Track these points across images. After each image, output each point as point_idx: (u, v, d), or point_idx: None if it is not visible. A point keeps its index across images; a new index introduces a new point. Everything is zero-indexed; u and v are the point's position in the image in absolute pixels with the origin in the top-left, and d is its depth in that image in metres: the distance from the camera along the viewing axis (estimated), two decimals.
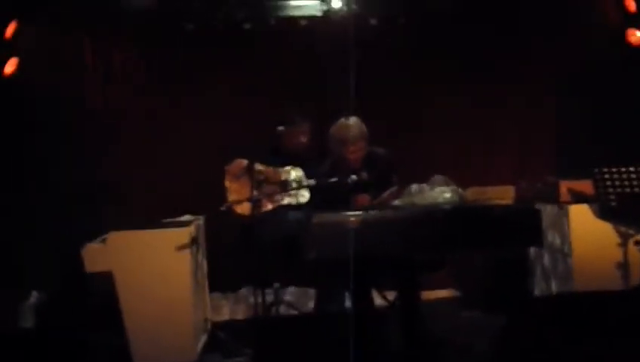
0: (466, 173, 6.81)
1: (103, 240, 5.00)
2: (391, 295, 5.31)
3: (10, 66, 6.20)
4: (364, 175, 4.92)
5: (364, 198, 4.95)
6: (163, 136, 6.93)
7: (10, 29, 6.14)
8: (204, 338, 5.39)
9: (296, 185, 5.51)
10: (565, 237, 5.56)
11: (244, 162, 5.41)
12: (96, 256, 4.93)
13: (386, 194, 4.77)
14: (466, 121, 7.15)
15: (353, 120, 5.07)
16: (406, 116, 7.07)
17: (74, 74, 6.74)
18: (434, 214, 4.53)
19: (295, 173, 5.61)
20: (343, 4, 6.64)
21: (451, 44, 7.06)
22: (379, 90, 6.91)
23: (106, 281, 4.91)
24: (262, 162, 5.55)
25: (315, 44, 6.88)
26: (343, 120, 5.09)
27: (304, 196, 5.53)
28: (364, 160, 5.09)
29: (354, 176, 4.89)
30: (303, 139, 5.70)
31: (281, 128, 5.64)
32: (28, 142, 6.48)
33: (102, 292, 5.15)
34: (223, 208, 4.89)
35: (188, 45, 6.89)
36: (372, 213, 4.61)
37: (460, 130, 7.16)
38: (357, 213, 4.54)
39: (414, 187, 4.73)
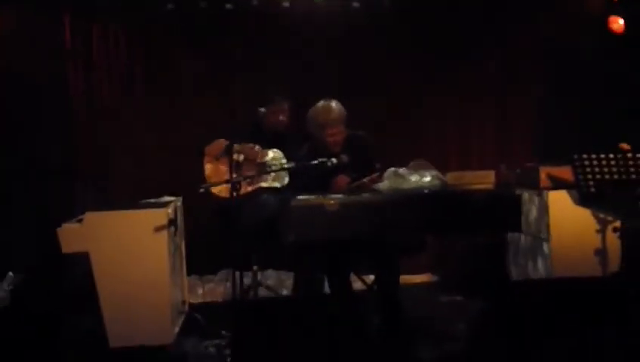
0: (445, 157, 6.87)
1: (80, 221, 4.95)
2: (369, 278, 5.32)
3: None
4: (345, 158, 4.90)
5: (342, 179, 4.92)
6: (142, 116, 6.89)
7: None
8: (181, 320, 5.36)
9: (276, 167, 5.48)
10: (544, 222, 5.57)
11: (224, 142, 5.37)
12: (73, 236, 4.88)
13: (366, 179, 4.74)
14: (447, 107, 7.16)
15: (332, 103, 5.04)
16: (387, 100, 7.04)
17: (54, 54, 6.65)
18: (413, 198, 4.52)
19: (275, 155, 5.58)
20: None
21: (434, 30, 7.05)
22: (360, 74, 6.89)
23: (82, 262, 4.88)
24: (243, 143, 5.52)
25: (297, 25, 6.84)
26: (322, 102, 5.06)
27: (283, 178, 5.50)
28: (344, 143, 5.06)
29: (334, 159, 4.86)
30: (282, 117, 5.67)
31: (262, 109, 5.61)
32: (7, 121, 6.42)
33: (78, 272, 5.11)
34: (201, 190, 4.84)
35: (168, 25, 6.84)
36: (351, 196, 4.59)
37: (440, 115, 7.17)
38: (336, 196, 4.52)
39: (393, 170, 4.70)
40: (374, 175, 4.78)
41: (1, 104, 6.39)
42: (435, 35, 7.05)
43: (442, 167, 5.02)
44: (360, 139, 5.15)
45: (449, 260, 6.55)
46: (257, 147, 5.57)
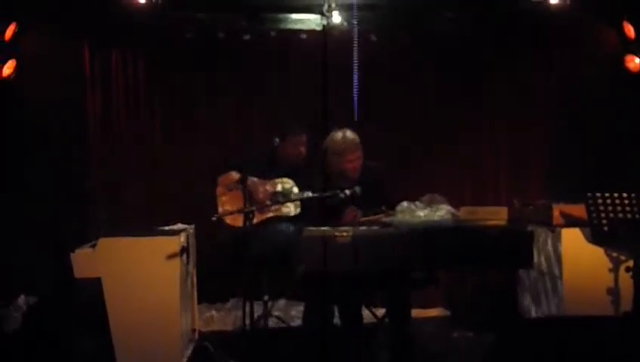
0: (459, 192, 6.87)
1: (93, 246, 4.98)
2: (380, 312, 5.32)
3: (8, 68, 6.22)
4: (357, 190, 4.91)
5: (350, 214, 4.94)
6: (158, 142, 6.96)
7: (9, 31, 6.16)
8: (190, 348, 5.37)
9: (288, 197, 5.51)
10: (556, 260, 5.55)
11: (237, 175, 5.41)
12: (86, 261, 4.91)
13: (373, 217, 4.78)
14: (460, 141, 7.18)
15: (347, 131, 5.09)
16: (400, 134, 7.08)
17: (73, 79, 6.73)
18: (426, 232, 4.53)
19: (287, 186, 5.61)
20: (343, 19, 6.64)
21: (448, 66, 7.09)
22: (376, 106, 6.93)
23: (94, 287, 4.90)
24: (257, 174, 5.56)
25: (314, 58, 6.88)
26: (337, 132, 5.11)
27: (295, 209, 5.52)
28: (359, 174, 5.09)
29: (347, 191, 4.87)
30: (299, 150, 5.71)
31: (277, 140, 5.65)
32: (22, 145, 6.49)
33: (90, 298, 5.13)
34: (213, 218, 4.87)
35: (187, 53, 6.91)
36: (363, 228, 4.60)
37: (453, 150, 7.18)
38: (348, 227, 4.53)
39: (406, 204, 4.72)
40: (380, 215, 4.80)
41: (17, 127, 6.45)
42: (449, 70, 7.09)
43: (455, 202, 5.03)
44: (374, 170, 5.18)
45: (461, 295, 6.53)
46: (269, 182, 5.60)
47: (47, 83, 6.53)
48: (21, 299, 5.89)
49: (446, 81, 7.10)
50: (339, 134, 5.11)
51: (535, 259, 4.81)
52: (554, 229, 5.59)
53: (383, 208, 4.85)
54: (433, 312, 6.73)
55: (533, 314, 5.91)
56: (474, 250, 4.51)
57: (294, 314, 6.41)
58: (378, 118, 6.89)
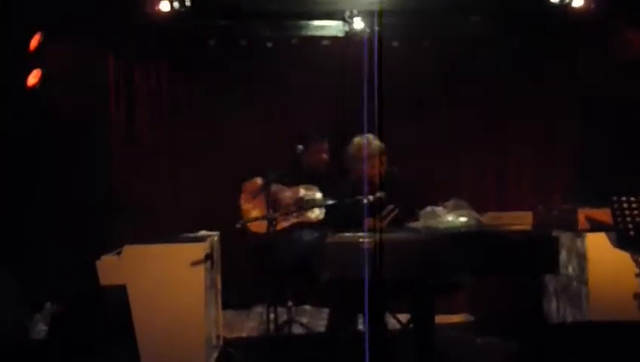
0: (482, 197, 6.85)
1: (118, 253, 5.01)
2: (404, 318, 5.30)
3: (34, 78, 6.27)
4: (381, 195, 4.90)
5: (369, 223, 4.94)
6: (181, 151, 7.00)
7: (34, 41, 6.21)
8: (215, 355, 5.38)
9: (312, 203, 5.52)
10: (582, 265, 5.51)
11: (261, 181, 5.42)
12: (111, 268, 4.93)
13: (386, 219, 4.79)
14: (485, 146, 7.14)
15: (369, 136, 5.10)
16: (425, 139, 7.06)
17: (97, 89, 6.79)
18: (450, 237, 4.51)
19: (311, 192, 5.62)
20: (365, 26, 6.65)
21: (471, 72, 7.07)
22: (399, 112, 6.92)
23: (119, 294, 4.91)
24: (280, 181, 5.57)
25: (336, 64, 6.90)
26: (358, 137, 5.12)
27: (319, 215, 5.53)
28: (382, 179, 5.09)
29: (370, 197, 4.87)
30: (322, 157, 5.73)
31: (300, 147, 5.66)
32: (47, 154, 6.55)
33: (115, 305, 5.15)
34: (238, 225, 4.89)
35: (210, 61, 6.94)
36: (387, 234, 4.59)
37: (478, 154, 7.15)
38: (372, 233, 4.53)
39: (430, 209, 4.71)
40: (391, 214, 4.79)
41: (42, 136, 6.51)
42: (473, 74, 7.08)
43: (479, 206, 5.02)
44: (396, 175, 5.19)
45: (486, 301, 6.49)
46: (293, 189, 5.61)
47: (71, 93, 6.59)
48: (46, 308, 5.92)
49: (470, 85, 7.08)
50: (361, 140, 5.12)
51: (560, 265, 4.75)
52: (579, 234, 5.55)
53: (392, 207, 4.85)
54: (457, 318, 6.69)
55: (559, 319, 5.87)
56: (499, 256, 4.47)
57: (318, 320, 6.39)
58: (401, 123, 6.89)
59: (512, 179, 7.20)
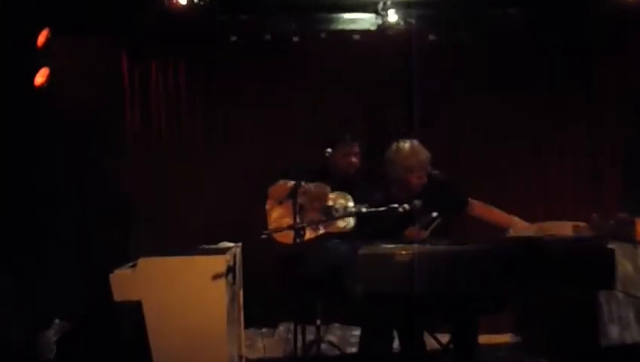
0: (529, 206, 6.76)
1: (133, 267, 5.00)
2: (444, 337, 5.24)
3: (41, 77, 6.28)
4: (417, 203, 4.86)
5: (412, 232, 4.90)
6: (202, 156, 6.99)
7: (41, 38, 6.22)
8: None
9: (343, 211, 5.47)
10: None
11: (289, 184, 5.39)
12: (125, 283, 4.94)
13: (429, 228, 4.75)
14: (530, 150, 7.07)
15: (417, 144, 5.08)
16: (464, 140, 7.02)
17: (110, 89, 6.80)
18: (494, 249, 4.45)
19: (342, 199, 5.57)
20: (399, 18, 6.60)
21: (515, 69, 6.99)
22: (436, 111, 6.87)
23: (134, 311, 4.92)
24: (309, 181, 5.53)
25: (368, 60, 6.86)
26: (405, 144, 5.09)
27: (350, 224, 5.48)
28: (424, 186, 5.07)
29: (406, 205, 4.83)
30: (353, 160, 5.67)
31: (328, 150, 5.61)
32: (57, 158, 6.55)
33: (130, 322, 5.14)
34: (263, 235, 4.86)
35: (231, 59, 6.93)
36: (425, 246, 4.54)
37: (523, 160, 7.08)
38: (409, 245, 4.48)
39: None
40: (434, 222, 4.75)
41: (52, 140, 6.53)
42: (514, 71, 6.99)
43: (525, 215, 4.96)
44: (436, 180, 5.15)
45: (534, 319, 6.40)
46: (327, 188, 5.57)
47: (82, 93, 6.61)
48: (55, 324, 5.94)
49: (511, 83, 7.00)
50: (407, 147, 5.10)
51: (617, 279, 4.68)
52: (637, 245, 5.46)
53: (434, 215, 4.80)
54: (503, 338, 6.60)
55: (615, 340, 5.78)
56: (549, 270, 4.43)
57: (350, 339, 6.37)
58: (438, 122, 6.85)
59: (558, 185, 7.09)
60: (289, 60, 6.94)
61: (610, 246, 4.90)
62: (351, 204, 5.53)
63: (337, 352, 5.89)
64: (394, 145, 5.17)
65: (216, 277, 4.94)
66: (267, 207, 5.58)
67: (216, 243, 5.65)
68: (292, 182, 5.31)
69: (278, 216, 5.52)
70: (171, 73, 6.98)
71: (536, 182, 7.11)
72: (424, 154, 5.11)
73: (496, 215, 5.27)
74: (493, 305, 5.00)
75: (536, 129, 7.07)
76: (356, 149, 5.71)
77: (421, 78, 6.75)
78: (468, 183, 6.57)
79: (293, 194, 5.17)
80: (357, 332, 6.08)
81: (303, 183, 5.30)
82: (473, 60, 6.99)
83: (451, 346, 5.08)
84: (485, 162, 7.05)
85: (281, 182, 5.53)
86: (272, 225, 5.48)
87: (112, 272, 4.95)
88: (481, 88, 7.02)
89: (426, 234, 4.91)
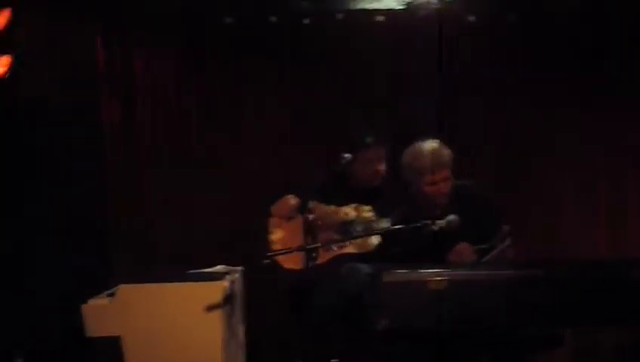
0: (591, 221, 6.74)
1: (110, 295, 4.99)
2: None
3: (2, 67, 6.28)
4: (454, 219, 4.82)
5: (465, 248, 4.85)
6: (194, 160, 6.99)
7: (2, 19, 6.22)
8: None
9: (362, 228, 5.45)
10: None
11: (295, 200, 5.37)
12: (101, 315, 4.95)
13: (496, 251, 4.69)
14: (588, 146, 7.03)
15: (432, 143, 5.03)
16: (508, 141, 7.02)
17: (84, 79, 6.81)
18: (549, 274, 4.41)
19: (363, 214, 5.55)
20: None
21: (565, 53, 6.97)
22: (473, 106, 6.84)
23: (111, 349, 4.91)
24: (320, 200, 5.52)
25: (393, 45, 6.84)
26: (418, 143, 5.05)
27: (373, 244, 5.46)
28: (451, 198, 5.01)
29: (441, 221, 4.80)
30: (377, 168, 5.64)
31: (347, 155, 5.58)
32: (22, 164, 6.56)
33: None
34: (266, 261, 4.84)
35: (229, 45, 6.94)
36: (463, 271, 4.51)
37: (577, 159, 7.06)
38: (442, 270, 4.44)
39: None
40: (506, 244, 4.71)
41: (15, 141, 6.53)
42: (566, 59, 6.98)
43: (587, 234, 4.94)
44: (470, 190, 5.10)
45: (594, 359, 6.39)
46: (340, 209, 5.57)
47: (51, 85, 6.64)
48: None
49: (562, 73, 6.98)
50: (419, 147, 5.06)
51: None
52: None
53: (496, 240, 4.77)
54: None
55: None
56: (613, 298, 4.37)
57: None
58: (477, 119, 6.80)
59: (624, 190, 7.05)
60: (298, 47, 6.95)
61: None
62: (373, 219, 5.51)
63: None
64: (410, 147, 5.13)
65: (211, 308, 4.94)
66: (270, 226, 5.57)
67: (212, 266, 5.64)
68: (297, 199, 5.31)
69: (284, 237, 5.52)
70: (157, 59, 7.01)
71: (600, 191, 7.06)
72: (439, 152, 5.06)
73: None
74: (543, 341, 4.97)
75: (590, 125, 7.04)
76: (381, 154, 5.67)
77: (456, 67, 6.75)
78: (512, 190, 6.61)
79: (302, 210, 5.15)
80: None
81: (311, 201, 5.29)
82: (521, 46, 6.97)
83: None
84: (534, 167, 7.03)
85: (286, 197, 5.53)
86: (276, 247, 5.47)
87: (84, 302, 4.94)
88: (529, 80, 7.00)
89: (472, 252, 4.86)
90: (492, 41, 6.93)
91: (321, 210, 5.54)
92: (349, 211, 5.58)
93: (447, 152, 5.07)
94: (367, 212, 5.57)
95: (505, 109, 7.03)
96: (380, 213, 5.50)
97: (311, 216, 5.31)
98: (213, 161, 6.96)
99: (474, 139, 6.72)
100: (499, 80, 7.00)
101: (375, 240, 5.47)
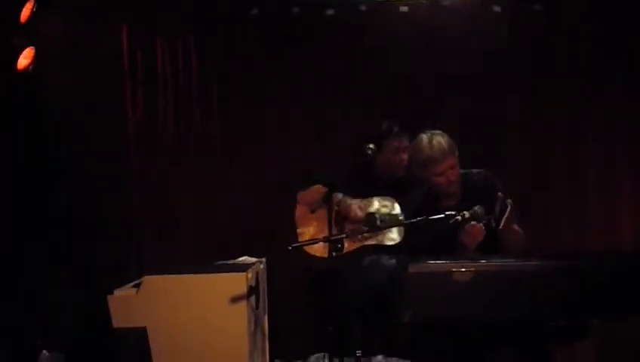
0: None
1: (136, 286, 5.01)
2: None
3: (25, 59, 6.28)
4: (479, 210, 4.81)
5: (474, 228, 4.83)
6: (218, 151, 7.03)
7: (25, 11, 6.22)
8: None
9: (387, 219, 5.45)
10: None
11: (322, 189, 5.38)
12: (127, 306, 4.93)
13: (503, 220, 4.66)
14: (619, 143, 7.00)
15: (432, 134, 5.03)
16: (535, 134, 7.01)
17: (108, 72, 6.84)
18: (574, 266, 4.39)
19: (386, 205, 5.55)
20: None
21: (594, 44, 6.93)
22: (500, 100, 6.82)
23: (137, 339, 4.91)
24: (346, 192, 5.52)
25: (417, 36, 6.82)
26: (419, 136, 5.05)
27: (399, 235, 5.46)
28: (461, 188, 5.01)
29: (465, 212, 4.78)
30: (402, 158, 5.65)
31: (371, 146, 5.58)
32: (45, 158, 6.59)
33: (132, 353, 5.16)
34: (291, 248, 4.84)
35: (252, 37, 6.95)
36: (491, 261, 4.49)
37: (599, 147, 7.03)
38: (469, 261, 4.44)
39: None
40: (507, 213, 4.68)
41: (39, 135, 6.56)
42: (596, 51, 6.95)
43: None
44: (481, 179, 5.09)
45: (621, 350, 6.36)
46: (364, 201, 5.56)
47: (74, 78, 6.63)
48: (43, 357, 5.96)
49: (593, 65, 6.94)
50: (423, 139, 5.05)
51: None
52: None
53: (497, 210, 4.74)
54: None
55: None
56: (638, 291, 4.34)
57: None
58: (503, 111, 6.80)
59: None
60: (322, 38, 6.95)
61: None
62: (398, 210, 5.51)
63: None
64: (412, 141, 5.13)
65: (235, 299, 4.93)
66: (296, 215, 5.58)
67: (236, 258, 5.65)
68: (325, 188, 5.31)
69: (310, 227, 5.53)
70: (180, 54, 7.02)
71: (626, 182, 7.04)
72: (441, 143, 5.01)
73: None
74: (571, 333, 4.95)
75: (620, 115, 7.01)
76: (406, 143, 5.67)
77: (483, 58, 6.71)
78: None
79: (327, 200, 5.16)
80: None
81: (336, 194, 5.29)
82: (549, 37, 6.94)
83: None
84: (557, 164, 7.03)
85: (314, 187, 5.54)
86: (302, 237, 5.48)
87: (111, 293, 4.95)
88: (558, 71, 6.98)
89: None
90: (518, 31, 6.86)
91: (345, 201, 5.56)
92: (373, 203, 5.60)
93: (448, 141, 5.03)
94: (391, 203, 5.58)
95: (533, 102, 7.01)
96: (404, 205, 5.51)
97: (336, 208, 5.33)
98: (236, 151, 6.98)
99: (500, 129, 6.71)
100: (525, 71, 6.98)
101: (401, 232, 5.48)
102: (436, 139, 5.02)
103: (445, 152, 5.01)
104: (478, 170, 5.14)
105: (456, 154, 5.03)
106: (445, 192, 4.99)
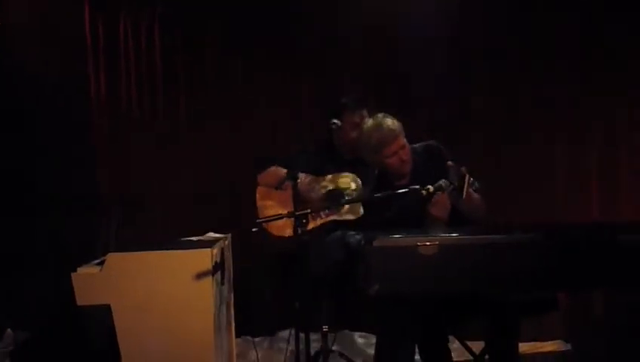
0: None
1: (100, 264, 4.97)
2: (478, 346, 5.20)
3: None
4: (444, 184, 4.79)
5: (442, 199, 4.82)
6: (183, 129, 7.01)
7: None
8: None
9: (352, 197, 5.44)
10: None
11: (282, 171, 5.36)
12: (91, 283, 4.89)
13: (464, 190, 4.66)
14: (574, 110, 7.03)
15: (376, 118, 5.04)
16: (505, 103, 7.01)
17: (69, 49, 6.78)
18: (540, 238, 4.40)
19: (345, 180, 5.54)
20: None
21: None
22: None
23: (101, 316, 4.89)
24: (310, 170, 5.50)
25: (390, 13, 6.80)
26: (369, 120, 5.07)
27: (360, 209, 5.45)
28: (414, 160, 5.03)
29: (430, 187, 4.77)
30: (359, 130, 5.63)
31: (335, 121, 5.56)
32: (7, 136, 6.55)
33: (96, 330, 5.13)
34: (254, 229, 4.82)
35: (219, 12, 6.93)
36: (454, 235, 4.50)
37: (567, 122, 7.04)
38: (433, 235, 4.43)
39: None
40: (472, 182, 4.68)
41: (2, 110, 6.51)
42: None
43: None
44: (434, 149, 5.09)
45: (587, 323, 6.40)
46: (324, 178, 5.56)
47: (36, 55, 6.60)
48: (8, 334, 5.93)
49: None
50: (370, 124, 5.05)
51: None
52: None
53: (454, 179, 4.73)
54: (549, 346, 6.65)
55: None
56: (610, 261, 4.34)
57: (362, 348, 6.40)
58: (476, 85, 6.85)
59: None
60: (295, 11, 6.92)
61: None
62: (355, 186, 5.51)
63: None
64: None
65: (200, 275, 4.91)
66: (258, 194, 5.57)
67: (201, 234, 5.63)
68: (284, 170, 5.32)
69: (272, 206, 5.51)
70: (144, 30, 6.98)
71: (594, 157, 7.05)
72: (389, 125, 5.00)
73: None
74: (538, 306, 4.97)
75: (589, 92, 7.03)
76: (364, 115, 5.63)
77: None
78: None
79: (290, 178, 5.14)
80: (371, 340, 6.09)
81: (300, 172, 5.29)
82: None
83: (486, 357, 5.03)
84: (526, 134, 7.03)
85: (273, 168, 5.52)
86: (263, 215, 5.46)
87: (74, 271, 4.92)
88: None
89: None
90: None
91: (308, 179, 5.54)
92: (334, 179, 5.58)
93: (393, 122, 5.03)
94: (352, 180, 5.57)
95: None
96: (365, 180, 5.50)
97: (299, 185, 5.31)
98: (201, 130, 6.95)
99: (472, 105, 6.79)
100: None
101: (357, 207, 5.48)
102: (383, 122, 5.02)
103: (395, 133, 5.01)
104: (420, 143, 5.14)
105: (402, 133, 5.03)
106: (399, 173, 4.99)
